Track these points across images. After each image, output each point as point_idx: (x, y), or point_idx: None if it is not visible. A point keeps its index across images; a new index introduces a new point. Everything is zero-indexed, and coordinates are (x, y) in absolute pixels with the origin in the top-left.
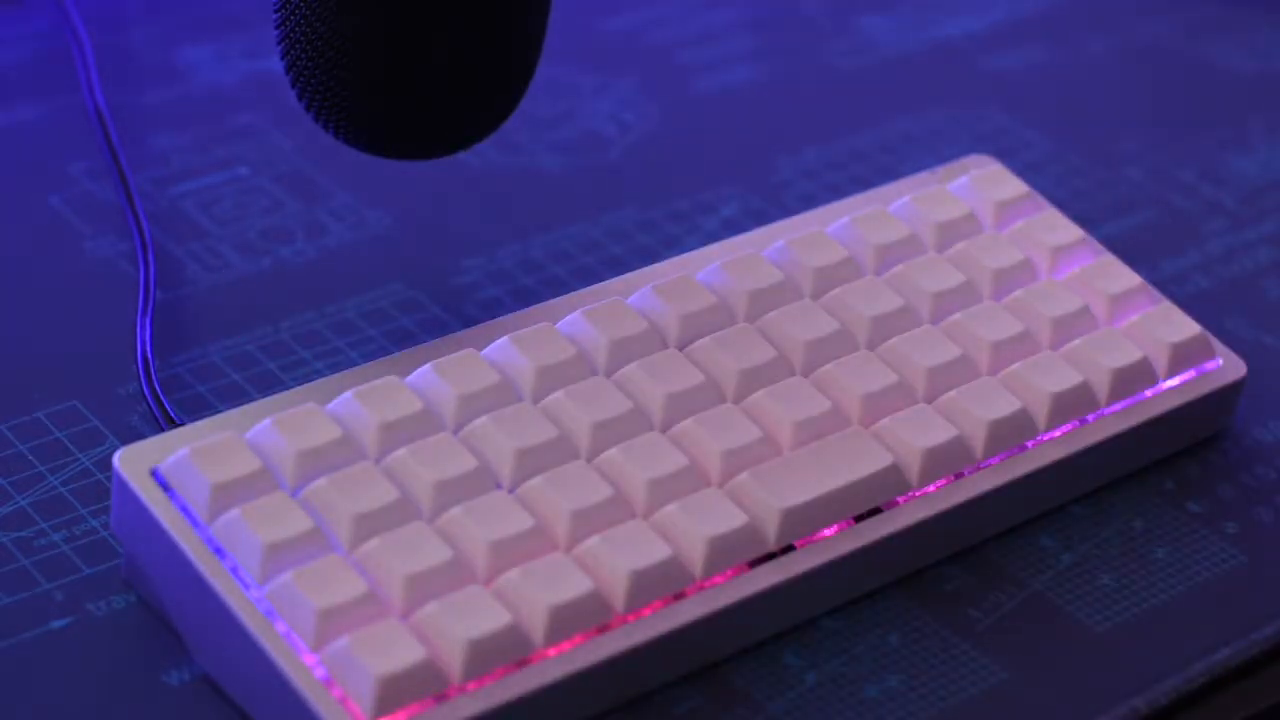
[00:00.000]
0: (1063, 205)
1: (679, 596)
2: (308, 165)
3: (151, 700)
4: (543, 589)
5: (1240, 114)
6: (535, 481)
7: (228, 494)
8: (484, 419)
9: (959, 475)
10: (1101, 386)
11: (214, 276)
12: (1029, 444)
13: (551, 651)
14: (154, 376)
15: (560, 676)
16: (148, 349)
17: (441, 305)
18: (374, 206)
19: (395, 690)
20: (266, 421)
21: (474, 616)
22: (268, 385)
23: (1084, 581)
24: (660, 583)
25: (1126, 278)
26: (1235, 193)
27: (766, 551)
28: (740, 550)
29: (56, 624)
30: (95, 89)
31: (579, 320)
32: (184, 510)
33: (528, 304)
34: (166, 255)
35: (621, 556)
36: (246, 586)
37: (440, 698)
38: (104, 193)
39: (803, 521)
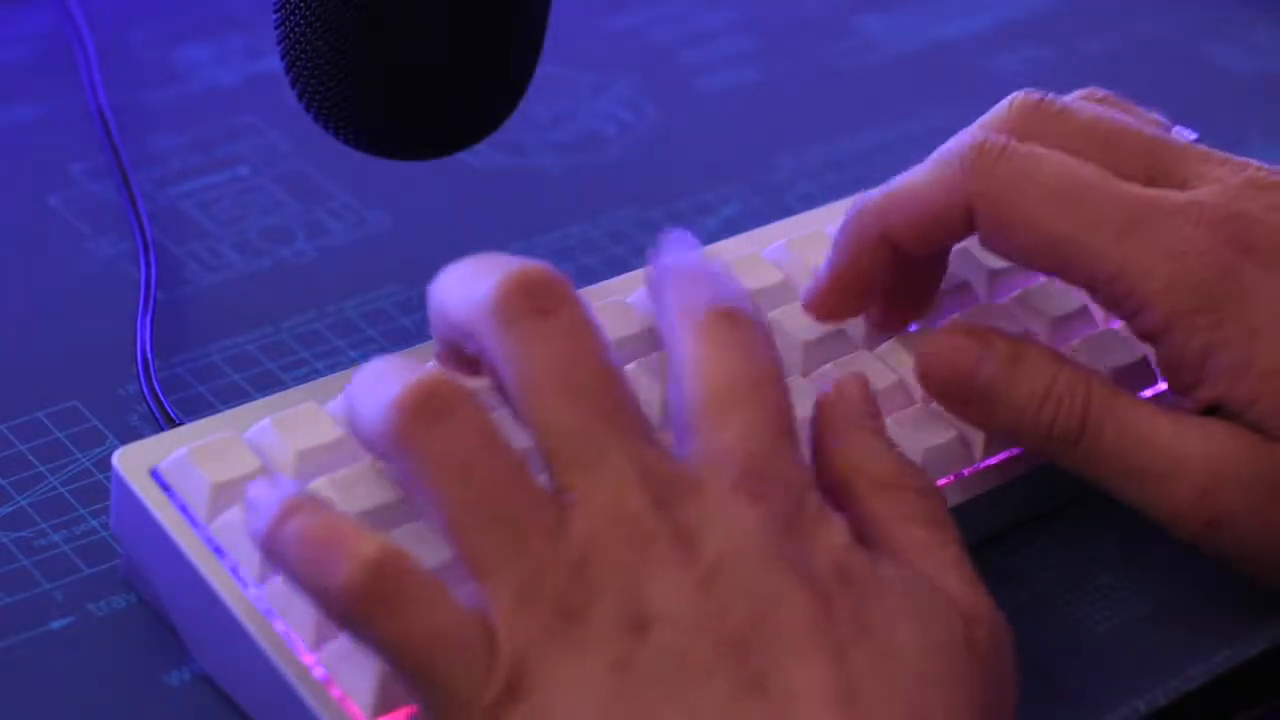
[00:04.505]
0: None
1: None
2: (308, 165)
3: (151, 700)
4: None
5: (1240, 114)
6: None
7: (227, 493)
8: None
9: (959, 475)
10: None
11: (214, 276)
12: None
13: None
14: (154, 376)
15: None
16: (148, 349)
17: None
18: (374, 206)
19: (394, 689)
20: (266, 421)
21: None
22: (268, 385)
23: (1084, 581)
24: None
25: None
26: None
27: None
28: None
29: (56, 624)
30: (98, 89)
31: None
32: (183, 510)
33: None
34: (167, 255)
35: None
36: (245, 586)
37: None
38: (104, 193)
39: None
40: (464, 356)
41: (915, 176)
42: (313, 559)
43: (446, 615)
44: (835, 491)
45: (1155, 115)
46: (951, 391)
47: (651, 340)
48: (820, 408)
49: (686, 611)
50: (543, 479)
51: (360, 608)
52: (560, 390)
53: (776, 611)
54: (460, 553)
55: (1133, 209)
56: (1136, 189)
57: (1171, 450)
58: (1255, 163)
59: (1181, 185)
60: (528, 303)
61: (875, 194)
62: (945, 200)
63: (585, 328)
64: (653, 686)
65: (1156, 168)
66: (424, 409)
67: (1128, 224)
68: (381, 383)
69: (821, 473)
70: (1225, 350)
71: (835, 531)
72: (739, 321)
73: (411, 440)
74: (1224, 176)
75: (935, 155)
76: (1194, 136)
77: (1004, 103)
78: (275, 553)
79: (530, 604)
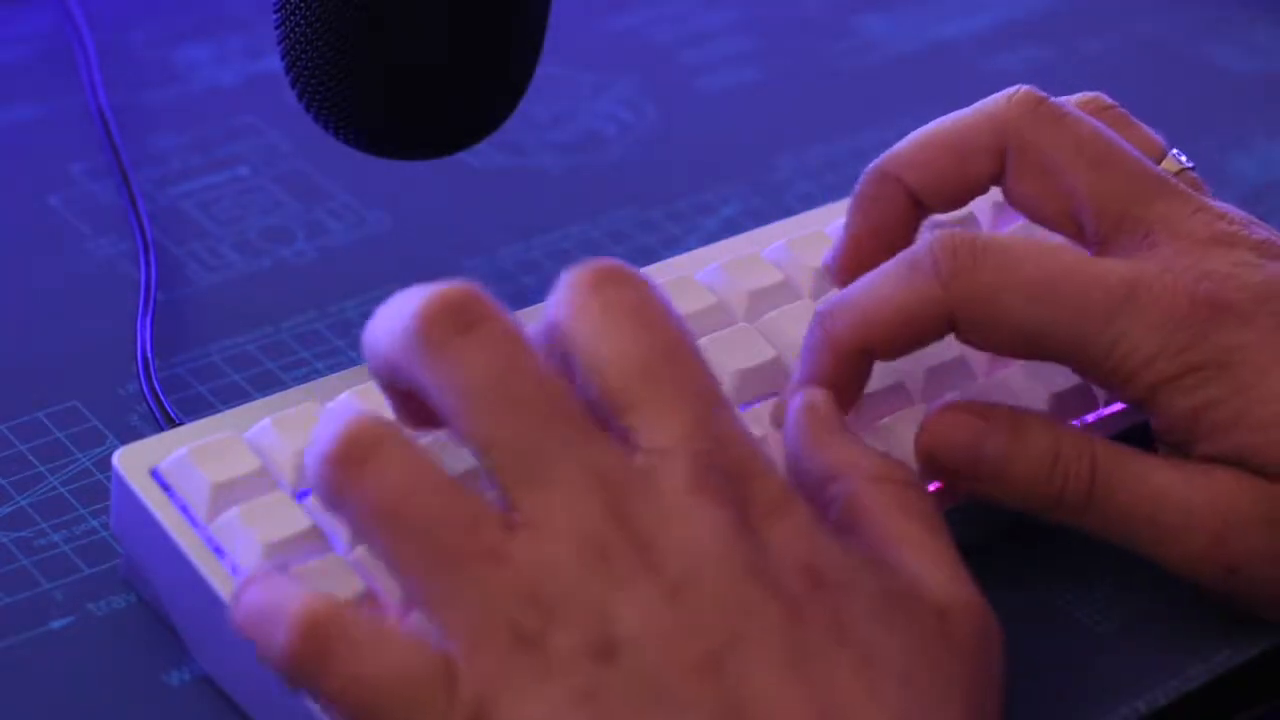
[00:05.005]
0: None
1: None
2: (308, 165)
3: (151, 700)
4: None
5: (1240, 114)
6: None
7: (227, 493)
8: None
9: None
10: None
11: (214, 276)
12: None
13: None
14: (154, 376)
15: None
16: (148, 349)
17: None
18: (374, 206)
19: None
20: (266, 421)
21: None
22: (268, 385)
23: (1084, 581)
24: None
25: None
26: (1235, 193)
27: None
28: None
29: (56, 624)
30: (98, 89)
31: None
32: (183, 510)
33: (528, 304)
34: (167, 255)
35: None
36: None
37: None
38: (104, 193)
39: None
40: (407, 396)
41: (884, 285)
42: (259, 633)
43: (396, 659)
44: (822, 486)
45: (1154, 135)
46: (957, 469)
47: None
48: (798, 417)
49: (654, 632)
50: (493, 498)
51: (303, 668)
52: (494, 404)
53: (748, 628)
54: (413, 594)
55: (1115, 291)
56: (1114, 267)
57: (1181, 501)
58: (1224, 209)
59: (1150, 233)
60: (445, 325)
61: (844, 305)
62: (924, 312)
63: (510, 337)
64: (624, 718)
65: (1132, 204)
66: (348, 458)
67: (1113, 307)
68: (315, 436)
69: (805, 470)
70: (1215, 408)
71: (800, 522)
72: (615, 277)
73: (341, 492)
74: (1194, 229)
75: (903, 260)
76: (1190, 165)
77: (1004, 94)
78: (239, 634)
79: (486, 636)
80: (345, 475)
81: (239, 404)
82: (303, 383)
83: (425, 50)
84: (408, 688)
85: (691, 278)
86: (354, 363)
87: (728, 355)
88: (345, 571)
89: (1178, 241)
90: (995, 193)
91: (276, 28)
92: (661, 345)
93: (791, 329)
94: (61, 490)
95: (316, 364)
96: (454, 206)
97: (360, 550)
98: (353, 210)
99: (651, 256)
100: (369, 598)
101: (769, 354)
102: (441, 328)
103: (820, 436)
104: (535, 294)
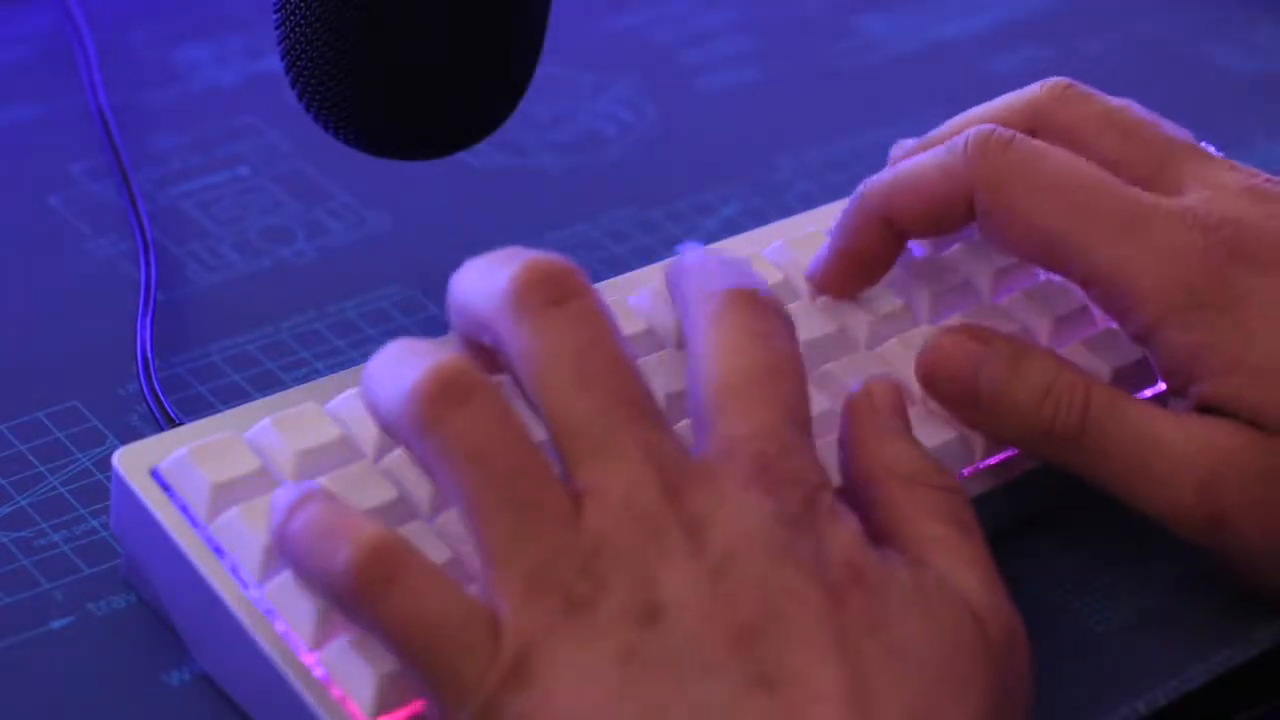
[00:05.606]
0: None
1: None
2: (308, 165)
3: (151, 700)
4: None
5: (1240, 114)
6: None
7: (227, 493)
8: None
9: (959, 475)
10: None
11: (214, 276)
12: None
13: None
14: (154, 376)
15: None
16: (148, 349)
17: (441, 305)
18: (374, 206)
19: (394, 688)
20: (266, 421)
21: None
22: (268, 385)
23: (1084, 581)
24: None
25: None
26: None
27: None
28: None
29: (56, 624)
30: (98, 88)
31: None
32: (183, 510)
33: None
34: (167, 255)
35: None
36: (245, 586)
37: None
38: (104, 193)
39: None
40: (482, 350)
41: (921, 162)
42: (316, 546)
43: (448, 600)
44: (860, 487)
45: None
46: (953, 392)
47: (651, 340)
48: (850, 410)
49: (696, 602)
50: (557, 468)
51: (361, 589)
52: (572, 379)
53: (787, 605)
54: (477, 536)
55: (1131, 210)
56: (1136, 192)
57: (1172, 447)
58: (1263, 174)
59: (1182, 187)
60: (541, 293)
61: (881, 177)
62: (946, 188)
63: (597, 317)
64: (659, 678)
65: (1164, 165)
66: (445, 393)
67: (1125, 224)
68: (401, 367)
69: (848, 468)
70: (1216, 348)
71: (847, 529)
72: (756, 305)
73: (433, 425)
74: (1227, 182)
75: (943, 144)
76: (1219, 154)
77: (1036, 84)
78: (284, 545)
79: (540, 591)
80: (440, 409)
81: (239, 404)
82: (303, 383)
83: (425, 50)
84: (459, 629)
85: None
86: (354, 362)
87: None
88: None
89: (1209, 190)
90: None
91: (276, 28)
92: (767, 364)
93: None
94: (61, 490)
95: (316, 364)
96: (454, 206)
97: None
98: (353, 210)
99: (651, 256)
100: None
101: None
102: (535, 295)
103: (867, 432)
104: None
